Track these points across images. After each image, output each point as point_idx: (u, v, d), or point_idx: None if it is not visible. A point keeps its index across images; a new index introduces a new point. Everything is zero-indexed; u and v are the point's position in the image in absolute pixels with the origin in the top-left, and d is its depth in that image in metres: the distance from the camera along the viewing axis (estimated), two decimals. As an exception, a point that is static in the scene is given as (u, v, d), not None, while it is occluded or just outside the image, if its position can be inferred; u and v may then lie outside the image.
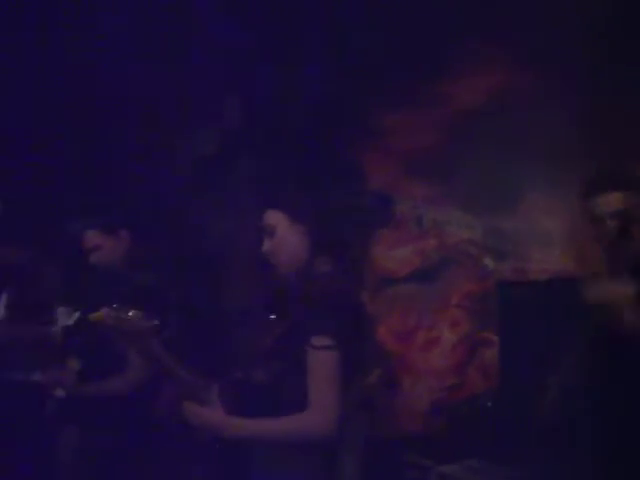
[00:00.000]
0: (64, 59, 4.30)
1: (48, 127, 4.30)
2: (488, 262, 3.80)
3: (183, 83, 4.56)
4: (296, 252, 1.99)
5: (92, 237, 2.94)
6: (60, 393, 2.73)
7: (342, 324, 1.86)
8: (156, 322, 2.07)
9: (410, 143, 4.03)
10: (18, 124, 4.22)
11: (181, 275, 3.38)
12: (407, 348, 3.88)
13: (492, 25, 3.68)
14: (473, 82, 3.81)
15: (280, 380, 1.91)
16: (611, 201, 2.27)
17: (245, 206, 4.55)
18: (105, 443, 2.71)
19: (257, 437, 1.89)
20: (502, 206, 3.75)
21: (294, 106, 4.34)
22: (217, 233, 4.49)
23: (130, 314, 2.05)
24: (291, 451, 1.89)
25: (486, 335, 3.71)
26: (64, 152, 4.35)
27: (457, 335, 3.79)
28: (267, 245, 2.03)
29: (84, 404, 2.76)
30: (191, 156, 4.69)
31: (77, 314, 2.91)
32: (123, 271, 2.93)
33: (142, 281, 2.81)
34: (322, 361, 1.83)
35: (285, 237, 2.00)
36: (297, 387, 1.85)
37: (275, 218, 2.02)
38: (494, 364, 3.57)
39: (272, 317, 2.08)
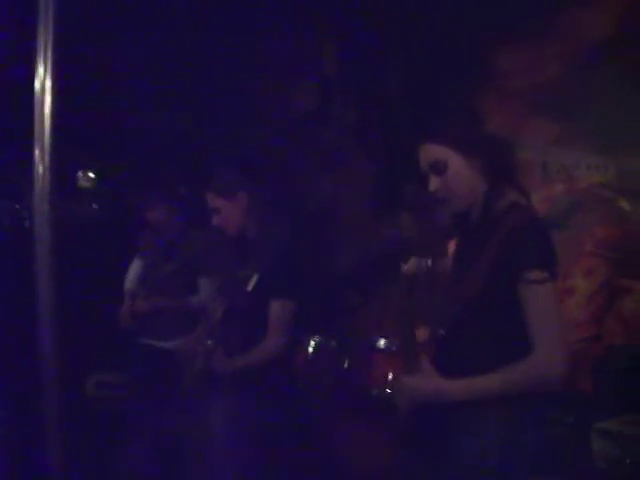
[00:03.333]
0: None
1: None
2: (624, 205, 3.55)
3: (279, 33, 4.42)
4: (472, 186, 1.87)
5: (211, 199, 2.81)
6: (199, 365, 2.64)
7: (553, 253, 1.77)
8: None
9: (532, 80, 3.77)
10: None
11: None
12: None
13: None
14: (602, 8, 3.50)
15: (490, 326, 1.78)
16: None
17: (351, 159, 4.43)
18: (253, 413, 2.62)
19: (479, 397, 1.73)
20: (637, 144, 3.47)
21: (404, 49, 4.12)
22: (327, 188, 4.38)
23: None
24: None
25: (625, 282, 3.48)
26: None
27: (593, 284, 3.57)
28: (436, 183, 1.88)
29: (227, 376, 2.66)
30: (292, 110, 4.57)
31: (223, 284, 2.77)
32: (249, 236, 2.81)
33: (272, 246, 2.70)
34: (542, 295, 1.71)
35: (459, 171, 1.86)
36: (512, 330, 1.74)
37: (444, 153, 1.87)
38: (635, 313, 3.36)
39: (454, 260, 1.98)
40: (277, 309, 2.66)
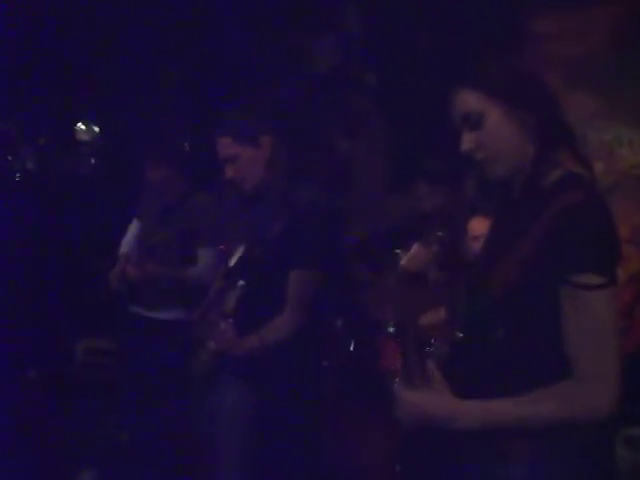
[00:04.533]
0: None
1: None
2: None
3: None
4: (516, 146, 1.45)
5: (227, 145, 2.42)
6: (213, 346, 2.35)
7: (616, 249, 1.36)
8: None
9: (571, 49, 3.45)
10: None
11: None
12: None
13: None
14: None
15: (521, 335, 1.37)
16: None
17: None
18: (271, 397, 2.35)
19: (499, 425, 1.34)
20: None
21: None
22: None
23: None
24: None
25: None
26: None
27: (626, 273, 3.27)
28: (469, 140, 1.46)
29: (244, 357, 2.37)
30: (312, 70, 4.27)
31: (240, 251, 2.42)
32: (271, 190, 2.45)
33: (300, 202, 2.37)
34: (594, 306, 1.31)
35: (500, 126, 1.45)
36: (551, 342, 1.35)
37: (481, 102, 1.45)
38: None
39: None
40: (295, 280, 2.34)
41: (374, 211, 4.15)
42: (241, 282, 2.30)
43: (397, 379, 1.50)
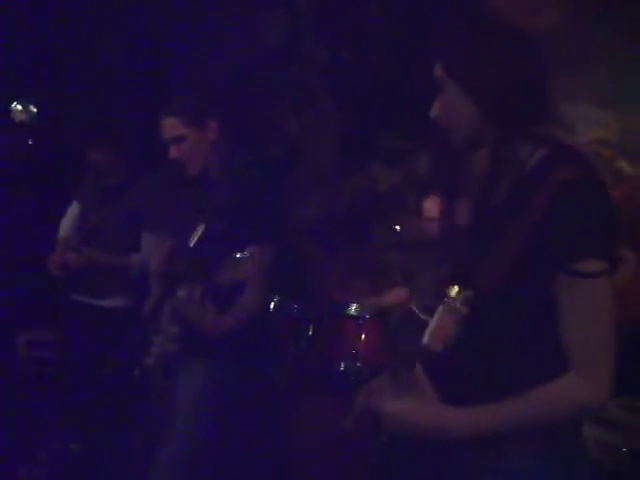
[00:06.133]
0: None
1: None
2: (623, 166, 3.21)
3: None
4: (470, 120, 1.34)
5: (173, 126, 2.39)
6: (174, 331, 2.25)
7: (613, 233, 1.23)
8: None
9: (526, 23, 3.39)
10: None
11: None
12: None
13: None
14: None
15: (511, 331, 1.25)
16: None
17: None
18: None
19: (491, 432, 1.23)
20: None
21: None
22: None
23: None
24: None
25: (618, 252, 3.16)
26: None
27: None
28: (435, 106, 1.40)
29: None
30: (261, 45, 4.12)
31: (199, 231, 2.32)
32: (213, 177, 2.40)
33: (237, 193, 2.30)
34: (591, 295, 1.20)
35: (453, 97, 1.36)
36: (542, 337, 1.24)
37: (440, 73, 1.38)
38: (630, 288, 3.05)
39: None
40: (254, 258, 2.27)
41: (327, 190, 4.05)
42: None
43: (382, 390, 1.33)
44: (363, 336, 2.64)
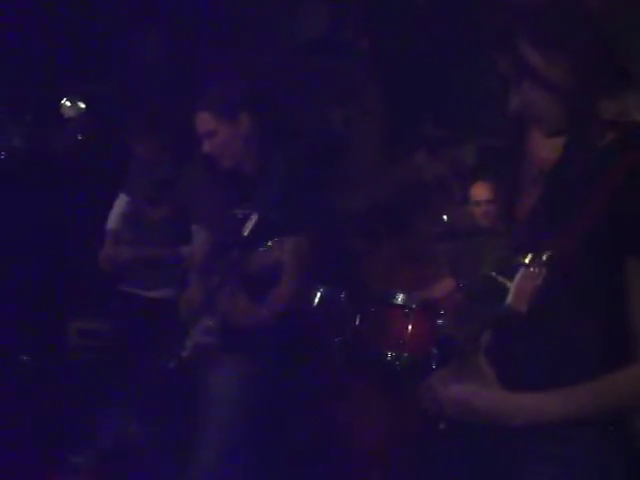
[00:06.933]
0: None
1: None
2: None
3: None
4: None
5: (205, 120, 2.37)
6: (211, 324, 2.25)
7: None
8: None
9: None
10: None
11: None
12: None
13: None
14: None
15: (577, 317, 1.23)
16: None
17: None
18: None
19: (558, 419, 1.20)
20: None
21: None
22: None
23: None
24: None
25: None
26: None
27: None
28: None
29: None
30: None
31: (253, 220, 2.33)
32: (248, 171, 2.40)
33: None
34: None
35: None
36: (611, 327, 1.21)
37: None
38: None
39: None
40: (290, 248, 2.28)
41: (372, 180, 4.03)
42: None
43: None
44: (410, 326, 2.62)
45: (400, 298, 2.71)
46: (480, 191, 3.50)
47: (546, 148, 1.45)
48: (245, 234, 2.20)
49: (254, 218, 2.19)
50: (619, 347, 1.21)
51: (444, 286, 2.95)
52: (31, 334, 3.83)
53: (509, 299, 1.25)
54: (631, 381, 1.19)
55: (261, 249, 2.23)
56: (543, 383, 1.23)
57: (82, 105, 4.55)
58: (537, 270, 1.23)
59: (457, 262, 3.02)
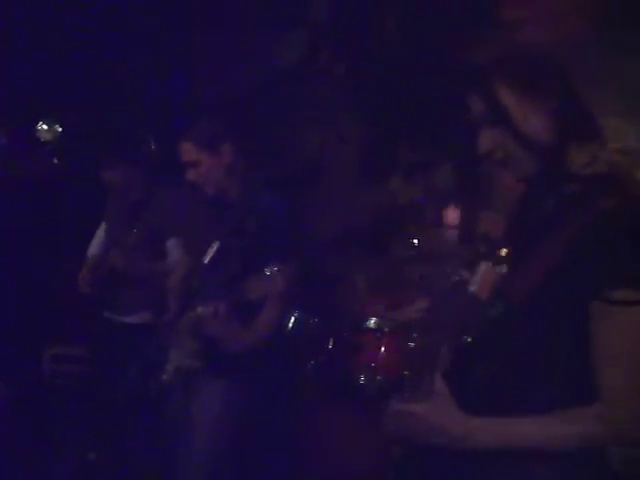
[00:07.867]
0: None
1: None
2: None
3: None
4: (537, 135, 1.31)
5: (188, 151, 2.46)
6: (192, 346, 2.27)
7: None
8: None
9: (544, 36, 3.39)
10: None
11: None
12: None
13: None
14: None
15: (542, 349, 1.24)
16: None
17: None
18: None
19: (524, 445, 1.22)
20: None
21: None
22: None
23: None
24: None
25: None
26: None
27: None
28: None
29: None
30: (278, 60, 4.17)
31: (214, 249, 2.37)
32: (231, 195, 2.46)
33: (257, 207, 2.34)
34: (628, 324, 1.19)
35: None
36: (573, 360, 1.24)
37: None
38: None
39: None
40: (275, 275, 2.29)
41: (347, 206, 4.08)
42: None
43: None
44: (382, 349, 2.65)
45: (372, 322, 2.74)
46: (452, 215, 3.56)
47: (514, 182, 1.50)
48: (205, 262, 2.25)
49: (215, 246, 2.24)
50: (579, 383, 1.24)
51: (416, 308, 2.99)
52: (6, 360, 3.81)
53: (472, 287, 1.31)
54: (595, 419, 1.21)
55: (257, 276, 2.26)
56: (496, 408, 1.25)
57: (59, 129, 4.56)
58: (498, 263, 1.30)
59: (429, 284, 3.06)
